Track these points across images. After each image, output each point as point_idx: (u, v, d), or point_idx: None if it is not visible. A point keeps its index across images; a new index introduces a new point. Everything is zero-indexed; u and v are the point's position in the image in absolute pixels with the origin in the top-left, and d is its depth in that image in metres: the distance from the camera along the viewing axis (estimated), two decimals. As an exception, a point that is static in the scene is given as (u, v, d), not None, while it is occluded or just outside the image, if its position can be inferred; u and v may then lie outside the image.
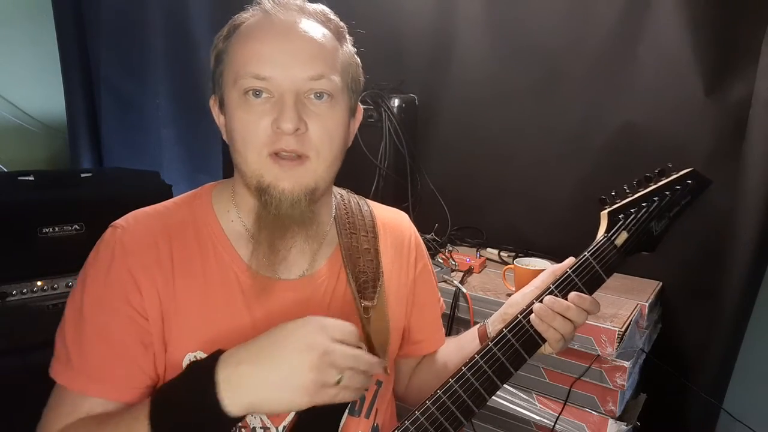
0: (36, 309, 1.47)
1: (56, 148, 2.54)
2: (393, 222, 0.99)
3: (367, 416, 0.88)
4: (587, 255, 0.82)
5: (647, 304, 1.38)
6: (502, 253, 1.69)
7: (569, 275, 0.82)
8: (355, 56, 0.86)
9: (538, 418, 1.35)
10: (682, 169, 0.89)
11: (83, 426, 0.75)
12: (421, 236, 1.73)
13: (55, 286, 1.49)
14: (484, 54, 1.72)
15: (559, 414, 1.32)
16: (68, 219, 1.48)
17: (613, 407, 1.28)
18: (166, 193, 1.62)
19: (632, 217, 0.85)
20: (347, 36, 0.86)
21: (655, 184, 0.87)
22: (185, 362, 0.79)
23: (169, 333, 0.79)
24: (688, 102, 1.43)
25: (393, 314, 0.91)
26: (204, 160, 2.29)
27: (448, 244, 1.73)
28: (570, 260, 0.85)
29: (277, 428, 0.81)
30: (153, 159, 2.40)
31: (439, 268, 1.49)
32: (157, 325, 0.79)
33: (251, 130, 0.76)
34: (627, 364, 1.25)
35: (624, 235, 0.84)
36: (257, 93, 0.76)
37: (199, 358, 0.78)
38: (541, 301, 0.81)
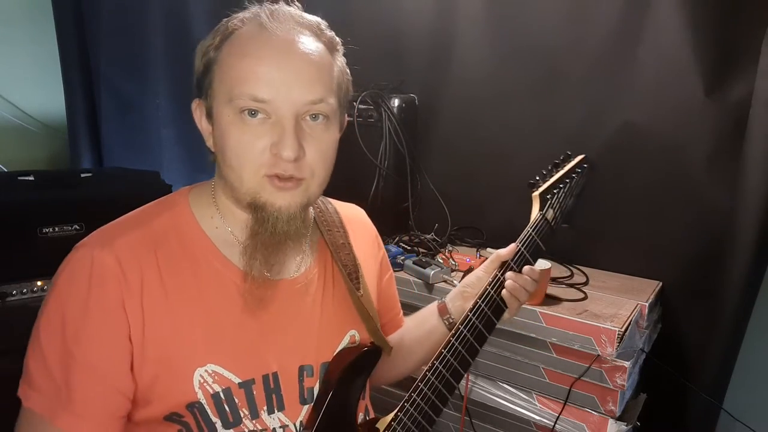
0: (36, 309, 1.46)
1: (56, 148, 2.55)
2: (356, 217, 1.03)
3: (363, 397, 0.94)
4: (530, 231, 1.00)
5: (647, 304, 1.38)
6: (502, 253, 1.69)
7: (520, 250, 0.97)
8: (346, 69, 0.85)
9: (538, 418, 1.35)
10: (577, 156, 1.09)
11: None
12: (421, 236, 1.75)
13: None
14: (484, 54, 1.72)
15: (559, 414, 1.32)
16: (68, 219, 1.48)
17: (613, 407, 1.28)
18: (166, 193, 1.62)
19: (555, 197, 1.03)
20: (339, 48, 0.84)
21: (563, 167, 1.06)
22: (196, 379, 0.77)
23: (170, 353, 0.76)
24: (688, 102, 1.43)
25: (372, 302, 0.98)
26: (204, 160, 2.27)
27: (448, 244, 1.73)
28: (513, 245, 0.98)
29: (294, 424, 0.84)
30: (153, 159, 2.40)
31: (439, 268, 1.49)
32: (147, 346, 0.75)
33: (247, 150, 0.75)
34: (627, 364, 1.25)
35: (551, 212, 1.03)
36: (253, 112, 0.75)
37: (210, 372, 0.77)
38: (504, 277, 0.95)
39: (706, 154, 1.43)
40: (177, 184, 1.79)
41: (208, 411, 0.78)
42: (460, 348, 0.91)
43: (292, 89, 0.74)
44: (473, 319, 0.93)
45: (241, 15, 0.79)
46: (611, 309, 1.33)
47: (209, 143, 0.83)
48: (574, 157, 1.08)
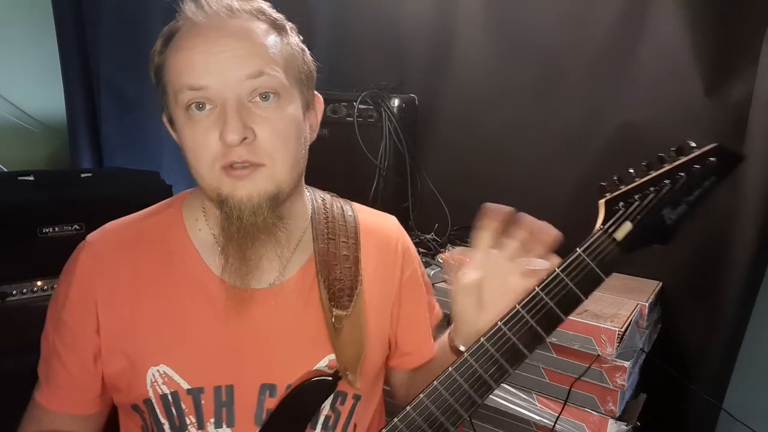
0: (36, 309, 1.47)
1: (56, 148, 2.54)
2: (379, 228, 0.93)
3: (343, 431, 0.84)
4: (579, 251, 0.73)
5: (647, 304, 1.38)
6: (502, 253, 1.68)
7: (557, 275, 0.73)
8: (301, 46, 0.81)
9: (538, 418, 1.35)
10: (705, 146, 0.76)
11: None
12: (421, 236, 1.72)
13: (55, 286, 1.49)
14: (484, 54, 1.72)
15: (559, 414, 1.32)
16: (68, 219, 1.47)
17: (613, 407, 1.28)
18: (166, 193, 1.62)
19: (636, 205, 0.73)
20: (289, 28, 0.80)
21: (670, 165, 0.75)
22: (149, 377, 0.78)
23: (132, 347, 0.79)
24: (688, 102, 1.43)
25: (374, 324, 0.86)
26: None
27: (448, 244, 1.73)
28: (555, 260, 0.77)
29: None
30: (153, 159, 2.40)
31: (439, 268, 1.49)
32: (116, 339, 0.79)
33: (200, 145, 0.73)
34: (627, 364, 1.25)
35: (627, 227, 0.73)
36: (200, 105, 0.72)
37: (161, 373, 0.78)
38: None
39: (706, 154, 1.43)
40: (177, 184, 1.79)
41: (157, 411, 0.79)
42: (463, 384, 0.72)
43: (226, 68, 0.71)
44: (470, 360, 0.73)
45: (179, 16, 0.78)
46: (611, 309, 1.33)
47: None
48: (698, 148, 0.76)
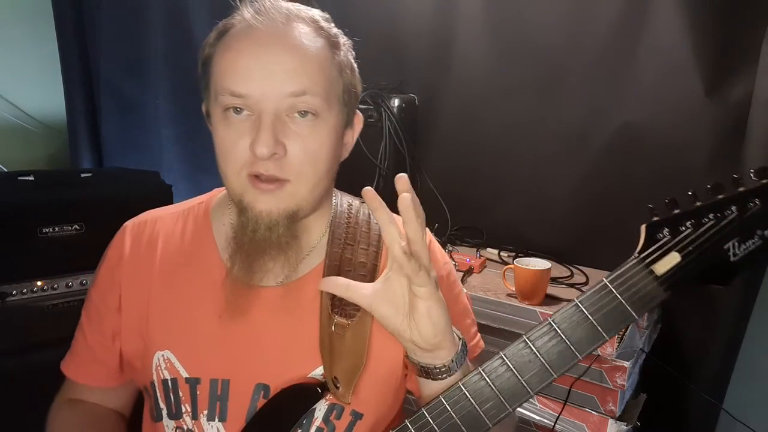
0: (36, 309, 1.47)
1: (56, 148, 2.55)
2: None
3: None
4: (605, 281, 0.62)
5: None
6: (502, 253, 1.69)
7: (576, 305, 0.63)
8: (352, 64, 0.80)
9: (538, 418, 1.35)
10: None
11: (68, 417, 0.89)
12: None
13: (55, 286, 1.49)
14: (485, 54, 1.72)
15: (559, 414, 1.32)
16: (68, 219, 1.48)
17: (613, 407, 1.28)
18: (166, 193, 1.63)
19: (686, 233, 0.60)
20: (343, 43, 0.78)
21: (743, 188, 0.60)
22: (155, 361, 0.81)
23: (145, 330, 0.82)
24: (688, 102, 1.43)
25: (383, 339, 0.77)
26: (204, 160, 2.29)
27: (448, 244, 1.73)
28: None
29: None
30: (153, 159, 2.40)
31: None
32: (134, 320, 0.83)
33: (230, 149, 0.73)
34: (627, 364, 1.25)
35: (673, 259, 0.60)
36: (237, 110, 0.72)
37: (165, 358, 0.81)
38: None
39: (706, 154, 1.43)
40: (177, 184, 1.80)
41: (158, 395, 0.81)
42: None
43: (270, 81, 0.70)
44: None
45: (240, 13, 0.77)
46: (611, 309, 1.33)
47: None
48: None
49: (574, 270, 1.57)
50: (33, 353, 1.44)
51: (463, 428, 0.66)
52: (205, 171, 2.30)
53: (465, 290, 1.24)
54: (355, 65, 0.81)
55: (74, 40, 2.44)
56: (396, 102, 1.72)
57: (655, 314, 1.49)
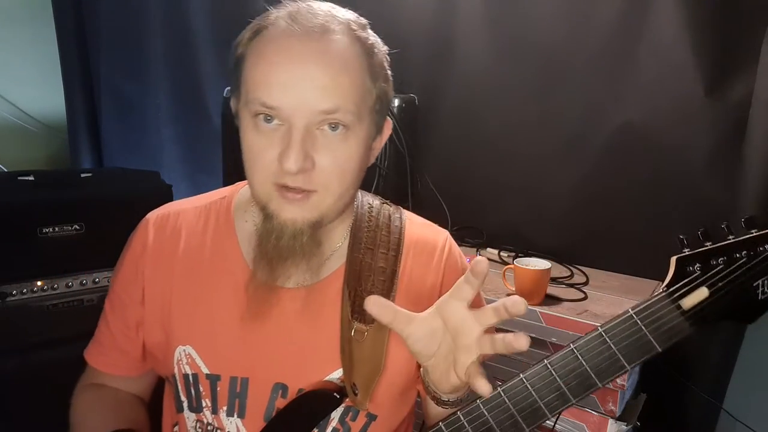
0: (36, 309, 1.47)
1: (56, 148, 2.55)
2: (424, 241, 0.88)
3: None
4: (630, 312, 0.62)
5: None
6: (502, 253, 1.68)
7: (599, 334, 0.62)
8: (386, 72, 0.78)
9: (538, 418, 1.35)
10: None
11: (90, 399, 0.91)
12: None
13: (55, 286, 1.49)
14: (485, 54, 1.72)
15: (559, 414, 1.32)
16: (68, 219, 1.48)
17: (613, 407, 1.28)
18: (166, 193, 1.63)
19: (718, 269, 0.60)
20: (377, 51, 0.77)
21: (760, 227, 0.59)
22: (176, 355, 0.83)
23: (167, 322, 0.84)
24: (688, 102, 1.43)
25: (401, 344, 0.74)
26: (204, 160, 2.30)
27: (448, 244, 1.72)
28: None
29: None
30: (153, 159, 2.40)
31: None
32: (157, 312, 0.84)
33: (258, 156, 0.72)
34: (627, 364, 1.25)
35: (701, 294, 0.60)
36: (268, 118, 0.71)
37: (186, 353, 0.82)
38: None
39: (706, 154, 1.43)
40: (177, 184, 1.80)
41: (179, 388, 0.83)
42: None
43: (303, 97, 0.69)
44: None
45: (275, 12, 0.75)
46: (611, 309, 1.33)
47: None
48: None
49: (574, 270, 1.56)
50: (33, 353, 1.44)
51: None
52: (205, 171, 2.30)
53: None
54: (390, 73, 0.79)
55: (74, 41, 2.44)
56: (396, 102, 1.72)
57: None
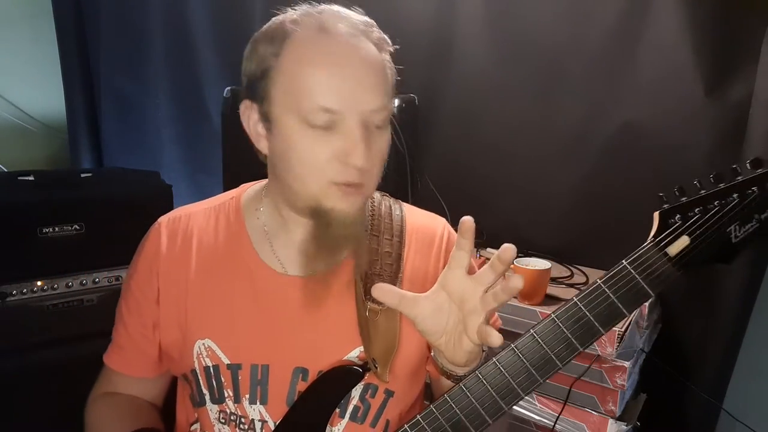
0: (36, 309, 1.47)
1: (56, 148, 2.55)
2: (424, 228, 0.94)
3: (373, 425, 0.85)
4: (624, 263, 0.69)
5: (647, 304, 1.38)
6: (502, 253, 1.68)
7: (598, 285, 0.69)
8: (393, 66, 0.83)
9: (538, 418, 1.35)
10: None
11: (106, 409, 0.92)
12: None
13: (55, 286, 1.49)
14: (485, 54, 1.72)
15: (559, 414, 1.32)
16: (68, 219, 1.48)
17: (613, 407, 1.28)
18: (166, 193, 1.63)
19: (695, 219, 0.68)
20: (387, 47, 0.82)
21: (742, 178, 0.68)
22: (195, 349, 0.85)
23: (184, 320, 0.86)
24: (688, 102, 1.43)
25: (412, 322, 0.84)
26: (204, 160, 2.30)
27: (448, 244, 1.72)
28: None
29: (275, 422, 0.83)
30: (153, 159, 2.40)
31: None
32: (173, 311, 0.86)
33: (313, 159, 0.75)
34: (627, 364, 1.25)
35: (683, 242, 0.68)
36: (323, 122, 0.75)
37: (206, 346, 0.84)
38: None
39: (706, 154, 1.43)
40: (177, 184, 1.80)
41: (201, 381, 0.85)
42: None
43: (358, 98, 0.74)
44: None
45: (292, 15, 0.78)
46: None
47: (260, 146, 0.83)
48: None
49: (574, 270, 1.57)
50: (33, 353, 1.44)
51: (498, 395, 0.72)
52: (205, 171, 2.30)
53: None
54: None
55: (74, 40, 2.44)
56: (396, 102, 1.71)
57: (655, 314, 1.50)
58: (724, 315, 1.40)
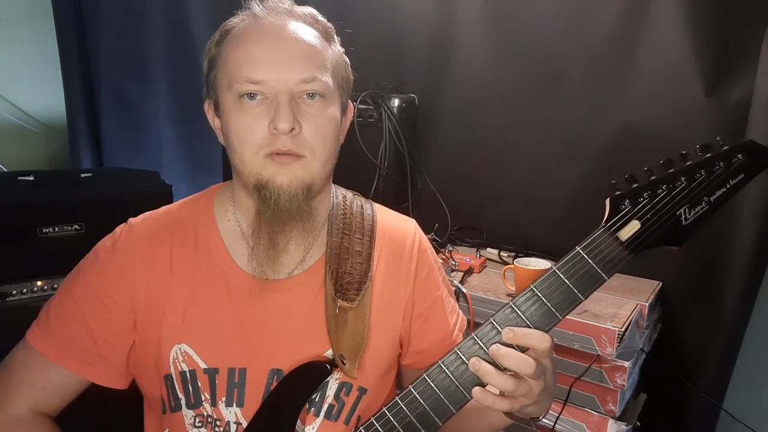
0: (36, 309, 1.46)
1: (56, 148, 2.54)
2: (396, 229, 0.96)
3: (347, 422, 0.87)
4: (578, 249, 0.72)
5: (647, 304, 1.38)
6: (502, 253, 1.69)
7: (554, 272, 0.72)
8: (344, 56, 0.89)
9: (538, 418, 1.35)
10: (736, 143, 0.72)
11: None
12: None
13: (55, 286, 1.49)
14: (485, 54, 1.72)
15: (559, 414, 1.32)
16: (68, 219, 1.47)
17: (613, 407, 1.28)
18: (166, 193, 1.63)
19: (644, 203, 0.71)
20: (335, 36, 0.88)
21: (690, 162, 0.71)
22: (172, 354, 0.84)
23: (160, 325, 0.85)
24: (688, 102, 1.43)
25: (382, 320, 0.90)
26: (204, 160, 2.30)
27: (448, 244, 1.72)
28: (537, 267, 0.81)
29: (249, 424, 0.83)
30: (153, 159, 2.40)
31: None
32: (148, 316, 0.85)
33: (247, 131, 0.79)
34: (627, 364, 1.25)
35: (633, 226, 0.71)
36: (252, 95, 0.79)
37: (182, 351, 0.84)
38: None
39: (706, 154, 1.43)
40: (177, 184, 1.80)
41: (176, 386, 0.85)
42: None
43: (284, 68, 0.78)
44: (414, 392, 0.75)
45: (240, 15, 0.85)
46: (611, 309, 1.33)
47: (220, 139, 0.87)
48: (717, 147, 0.72)
49: (574, 270, 1.56)
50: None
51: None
52: (205, 171, 2.30)
53: (465, 289, 1.29)
54: (347, 58, 0.90)
55: (74, 40, 2.44)
56: (396, 102, 1.72)
57: (655, 314, 1.49)
58: (724, 315, 1.40)
